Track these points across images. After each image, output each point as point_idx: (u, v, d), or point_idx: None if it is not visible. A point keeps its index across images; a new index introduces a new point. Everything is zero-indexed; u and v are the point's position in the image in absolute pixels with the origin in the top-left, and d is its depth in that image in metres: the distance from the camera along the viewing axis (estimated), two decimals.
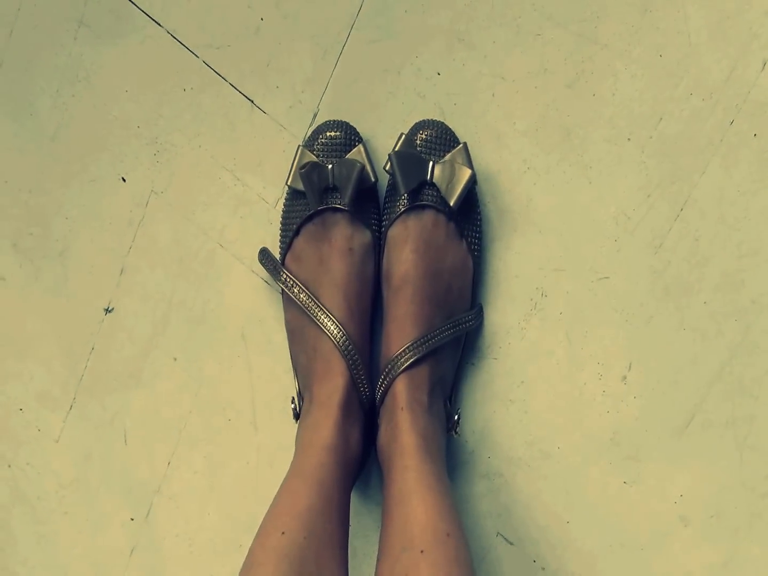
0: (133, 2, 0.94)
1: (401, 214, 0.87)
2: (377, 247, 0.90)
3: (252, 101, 0.94)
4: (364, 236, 0.88)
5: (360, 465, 0.88)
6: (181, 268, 0.97)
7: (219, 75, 0.94)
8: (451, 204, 0.86)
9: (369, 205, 0.90)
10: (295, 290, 0.88)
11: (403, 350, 0.85)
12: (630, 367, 0.91)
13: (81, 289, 0.99)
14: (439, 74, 0.91)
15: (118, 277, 0.98)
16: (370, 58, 0.92)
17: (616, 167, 0.89)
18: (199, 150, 0.96)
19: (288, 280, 0.89)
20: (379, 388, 0.87)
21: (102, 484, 1.01)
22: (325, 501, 0.79)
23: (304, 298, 0.87)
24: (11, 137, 0.98)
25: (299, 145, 0.88)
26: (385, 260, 0.89)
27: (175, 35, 0.94)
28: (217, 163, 0.95)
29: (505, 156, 0.91)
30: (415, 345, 0.85)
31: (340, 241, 0.88)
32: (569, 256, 0.91)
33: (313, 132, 0.90)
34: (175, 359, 0.98)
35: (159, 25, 0.94)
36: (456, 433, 0.89)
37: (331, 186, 0.87)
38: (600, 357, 0.91)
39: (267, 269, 0.91)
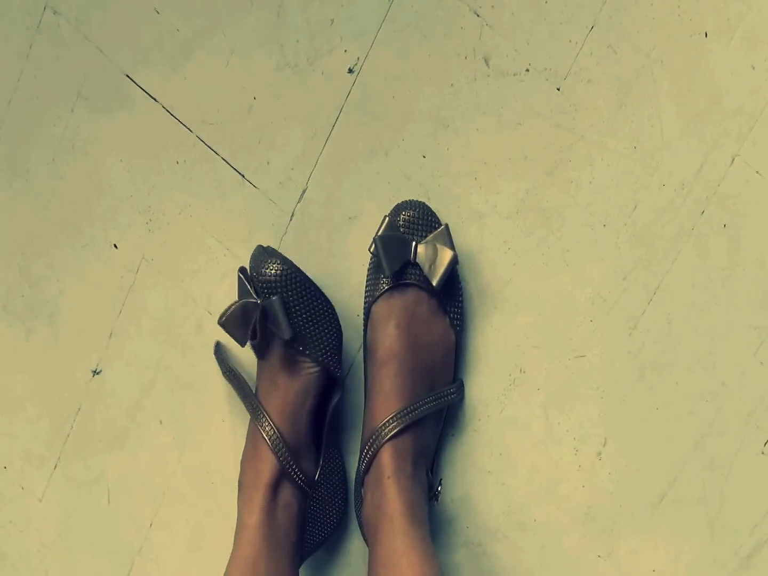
0: (130, 78, 0.97)
1: (385, 291, 0.90)
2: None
3: (243, 176, 0.96)
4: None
5: (305, 543, 0.92)
6: (169, 333, 0.99)
7: (212, 149, 0.97)
8: (434, 284, 0.88)
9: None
10: (238, 392, 0.93)
11: (388, 420, 0.87)
12: (605, 443, 0.93)
13: (70, 351, 1.01)
14: (424, 157, 0.94)
15: (107, 341, 1.00)
16: (359, 139, 0.94)
17: (592, 251, 0.92)
18: (190, 220, 0.97)
19: (231, 380, 0.94)
20: (364, 458, 0.88)
21: (84, 544, 1.02)
22: None
23: (240, 394, 0.93)
24: (6, 202, 1.00)
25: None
26: (369, 335, 0.91)
27: (170, 110, 0.97)
28: (207, 233, 0.97)
29: (487, 237, 0.93)
30: (399, 415, 0.87)
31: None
32: (547, 334, 0.93)
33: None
34: (161, 422, 1.00)
35: (155, 100, 0.97)
36: (437, 501, 0.91)
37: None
38: (576, 432, 0.93)
39: (218, 361, 0.96)
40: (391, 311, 0.89)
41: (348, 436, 0.97)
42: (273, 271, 0.86)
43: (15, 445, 1.03)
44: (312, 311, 0.88)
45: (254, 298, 0.87)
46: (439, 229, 0.89)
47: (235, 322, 0.87)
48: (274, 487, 0.88)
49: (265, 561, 0.85)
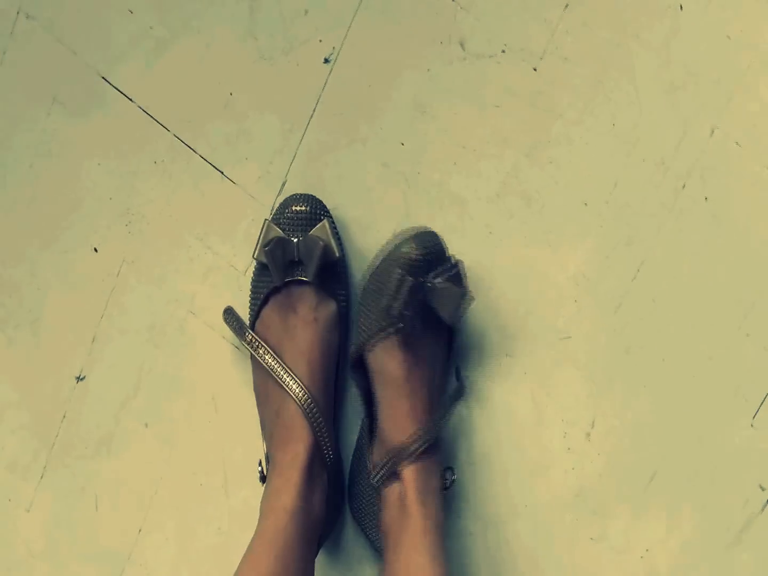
0: (105, 79, 0.96)
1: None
2: (342, 317, 0.92)
3: (221, 172, 0.96)
4: (328, 307, 0.90)
5: (323, 528, 0.89)
6: (152, 335, 0.98)
7: (189, 147, 0.96)
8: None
9: (334, 277, 0.91)
10: (260, 351, 0.89)
11: (413, 438, 0.86)
12: (593, 424, 0.93)
13: (53, 358, 1.00)
14: (402, 144, 0.94)
15: (90, 346, 0.99)
16: (336, 129, 0.94)
17: (574, 231, 0.92)
18: (169, 220, 0.97)
19: (253, 341, 0.90)
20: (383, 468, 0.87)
21: (73, 552, 1.01)
22: (287, 566, 0.80)
23: (269, 360, 0.88)
24: None
25: (265, 219, 0.90)
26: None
27: (146, 110, 0.96)
28: (188, 232, 0.97)
29: (468, 221, 0.93)
30: (423, 430, 0.86)
31: (305, 312, 0.89)
32: (531, 316, 0.93)
33: (280, 205, 0.91)
34: (147, 425, 0.99)
35: (131, 100, 0.97)
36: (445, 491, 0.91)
37: (297, 260, 0.89)
38: (564, 415, 0.94)
39: (232, 329, 0.93)
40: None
41: None
42: (303, 207, 0.90)
43: (0, 457, 1.02)
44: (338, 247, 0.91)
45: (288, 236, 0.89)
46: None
47: (273, 257, 0.88)
48: (310, 466, 0.86)
49: (296, 555, 0.82)
